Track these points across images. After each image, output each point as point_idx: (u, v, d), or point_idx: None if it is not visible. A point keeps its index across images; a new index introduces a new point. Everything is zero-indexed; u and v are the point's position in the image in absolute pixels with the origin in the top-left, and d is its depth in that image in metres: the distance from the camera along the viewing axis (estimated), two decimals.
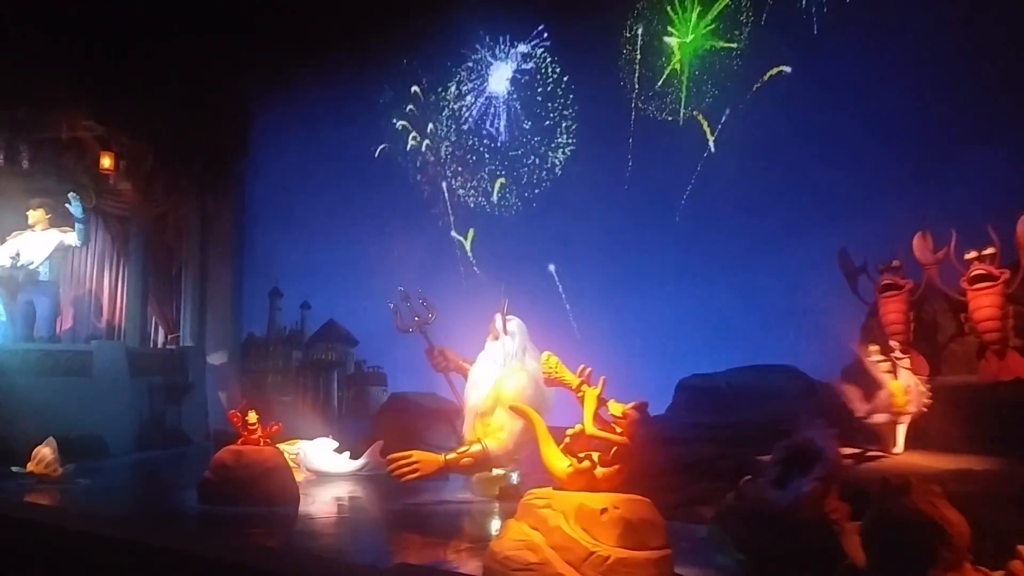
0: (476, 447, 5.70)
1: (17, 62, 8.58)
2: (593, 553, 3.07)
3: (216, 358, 10.33)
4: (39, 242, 9.11)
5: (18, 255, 8.98)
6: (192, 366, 10.08)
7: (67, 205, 8.82)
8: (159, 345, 10.40)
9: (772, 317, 6.82)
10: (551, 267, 8.52)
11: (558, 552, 3.13)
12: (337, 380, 9.92)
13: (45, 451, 6.52)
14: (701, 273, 7.43)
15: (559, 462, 3.53)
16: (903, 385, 4.49)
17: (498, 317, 6.28)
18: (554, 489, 3.52)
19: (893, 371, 4.53)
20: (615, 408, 3.47)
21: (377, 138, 10.10)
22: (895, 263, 4.91)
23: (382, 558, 4.50)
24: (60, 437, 6.81)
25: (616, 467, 3.38)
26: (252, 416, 5.78)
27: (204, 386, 10.17)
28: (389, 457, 5.75)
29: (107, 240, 10.25)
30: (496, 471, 5.82)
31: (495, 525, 5.21)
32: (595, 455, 3.43)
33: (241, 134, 10.42)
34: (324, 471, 6.91)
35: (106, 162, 9.07)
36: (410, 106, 10.20)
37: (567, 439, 3.52)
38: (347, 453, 7.07)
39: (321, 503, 5.94)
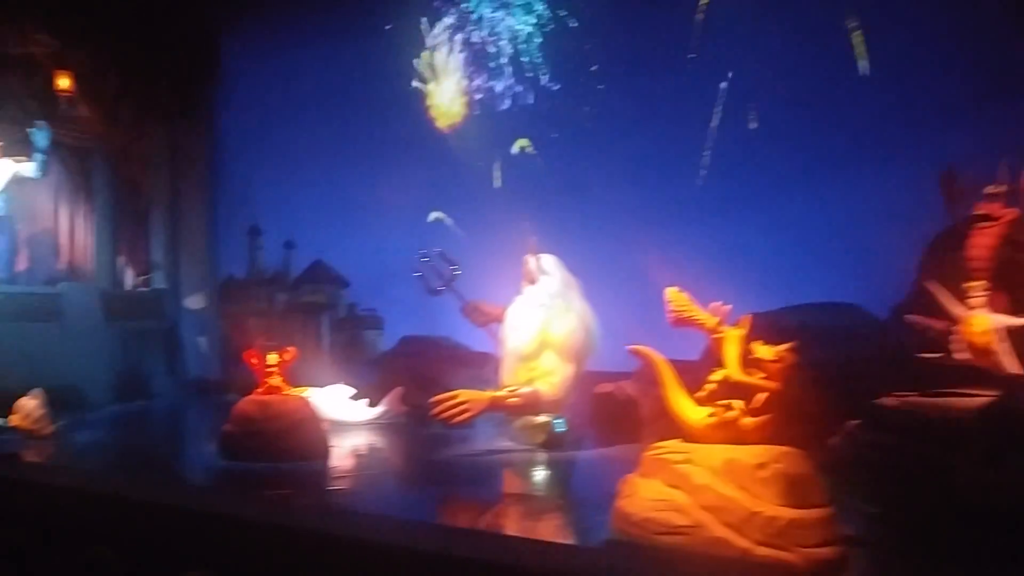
0: (527, 388, 5.37)
1: None
2: (757, 513, 2.69)
3: (193, 301, 9.59)
4: None
5: None
6: (167, 310, 9.34)
7: (29, 131, 7.84)
8: (127, 288, 9.60)
9: (811, 253, 6.50)
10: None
11: (712, 513, 2.76)
12: (327, 324, 9.34)
13: (31, 404, 5.85)
14: (732, 206, 7.02)
15: (694, 412, 3.15)
16: (983, 322, 4.23)
17: (530, 259, 5.87)
18: (684, 441, 3.15)
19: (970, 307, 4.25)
20: (763, 351, 3.08)
21: (367, 59, 9.22)
22: (995, 189, 4.44)
23: (436, 516, 4.14)
24: (28, 389, 6.09)
25: (766, 417, 3.00)
26: (273, 357, 5.24)
27: (180, 331, 9.45)
28: (434, 399, 5.35)
29: (62, 173, 9.27)
30: (542, 417, 5.47)
31: (546, 477, 4.92)
32: (736, 403, 3.05)
33: (210, 55, 9.46)
34: (340, 420, 6.42)
35: (63, 82, 8.08)
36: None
37: (710, 386, 3.14)
38: (364, 401, 6.59)
39: (347, 456, 5.48)
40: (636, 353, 3.50)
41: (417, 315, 8.70)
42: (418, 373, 6.88)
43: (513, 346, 5.67)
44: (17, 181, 8.20)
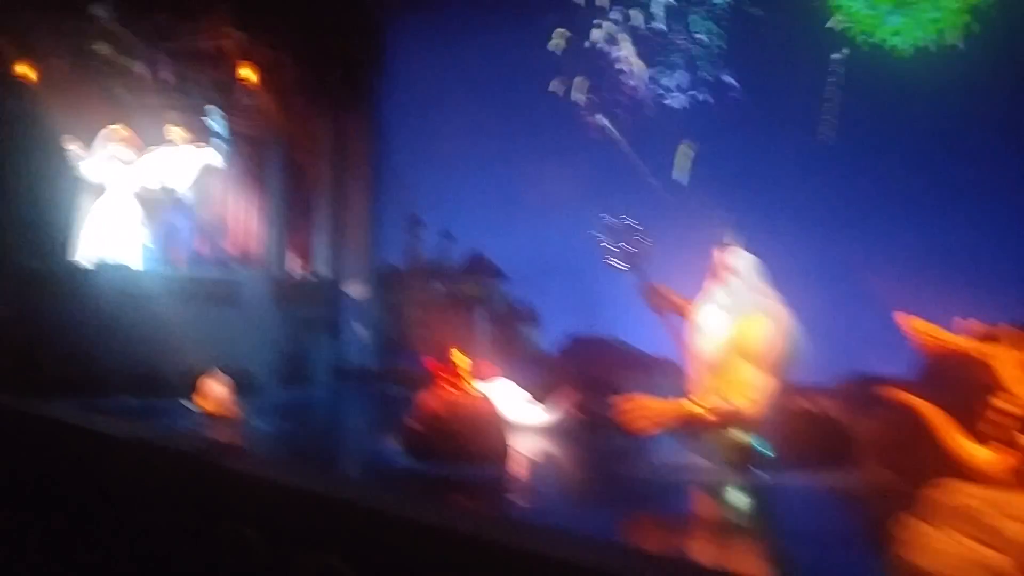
0: (720, 402, 4.93)
1: None
2: None
3: (352, 289, 9.73)
4: (181, 160, 8.54)
5: (159, 174, 8.44)
6: (328, 298, 9.53)
7: (207, 120, 8.19)
8: (291, 275, 9.87)
9: None
10: None
11: None
12: (485, 317, 9.23)
13: (218, 387, 6.01)
14: (950, 202, 6.24)
15: (984, 453, 2.69)
16: None
17: (718, 255, 5.40)
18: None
19: None
20: None
21: (531, 48, 9.02)
22: None
23: (629, 536, 3.83)
24: (208, 370, 6.46)
25: None
26: (459, 356, 5.10)
27: (340, 320, 9.62)
28: (616, 405, 5.02)
29: (238, 161, 9.62)
30: (739, 435, 5.02)
31: (747, 503, 4.49)
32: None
33: (376, 43, 9.51)
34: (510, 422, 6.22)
35: (247, 73, 8.35)
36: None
37: (996, 416, 2.66)
38: (532, 401, 6.37)
39: (524, 462, 5.23)
40: (899, 403, 3.07)
41: (576, 312, 8.47)
42: (592, 376, 6.59)
43: (702, 353, 5.26)
44: (202, 169, 8.59)
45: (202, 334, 7.58)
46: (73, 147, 8.31)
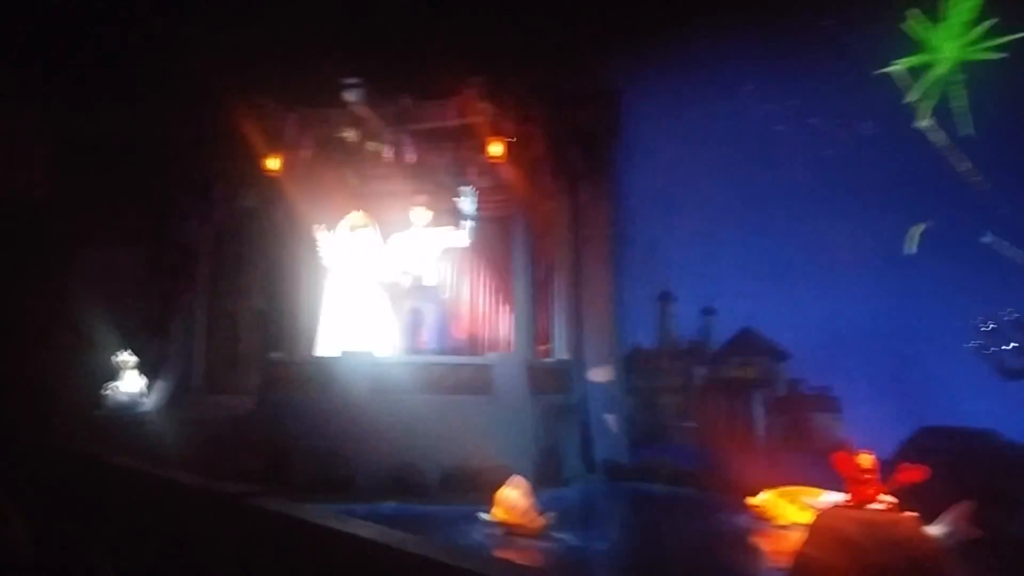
0: None
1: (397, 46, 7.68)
2: None
3: (598, 374, 8.70)
4: (424, 243, 8.05)
5: (404, 258, 7.97)
6: (574, 383, 8.54)
7: (455, 200, 7.66)
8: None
9: None
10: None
11: None
12: (761, 404, 7.90)
13: (515, 495, 5.09)
14: None
15: None
16: None
17: None
18: None
19: None
20: None
21: (785, 104, 8.06)
22: None
23: None
24: (466, 468, 6.24)
25: None
26: (866, 459, 3.91)
27: (586, 407, 8.58)
28: None
29: (481, 241, 9.03)
30: None
31: None
32: None
33: (612, 114, 8.76)
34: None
35: (495, 150, 7.78)
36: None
37: None
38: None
39: None
40: None
41: (893, 397, 7.01)
42: (963, 478, 5.09)
43: None
44: (447, 250, 8.05)
45: (453, 427, 6.83)
46: (319, 236, 8.02)
